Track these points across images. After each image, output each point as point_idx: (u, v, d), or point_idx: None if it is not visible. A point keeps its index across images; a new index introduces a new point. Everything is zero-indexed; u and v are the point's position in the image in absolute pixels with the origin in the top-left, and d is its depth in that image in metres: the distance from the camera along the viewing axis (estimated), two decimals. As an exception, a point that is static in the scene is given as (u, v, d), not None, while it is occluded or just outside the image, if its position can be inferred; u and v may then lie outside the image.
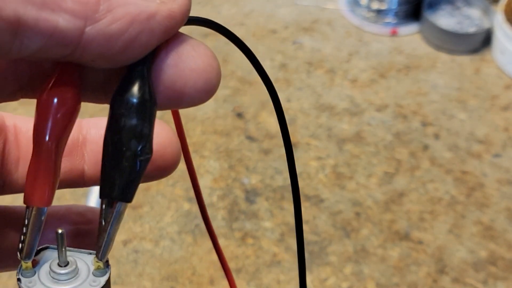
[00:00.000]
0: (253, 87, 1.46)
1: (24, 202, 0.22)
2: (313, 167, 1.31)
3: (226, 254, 1.16)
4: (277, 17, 1.67)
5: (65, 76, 0.21)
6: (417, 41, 1.61)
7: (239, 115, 1.40)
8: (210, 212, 1.22)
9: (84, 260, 0.23)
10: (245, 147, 1.34)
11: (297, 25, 1.64)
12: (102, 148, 0.22)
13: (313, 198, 1.26)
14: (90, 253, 0.24)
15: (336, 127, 1.39)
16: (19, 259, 0.23)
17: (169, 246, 1.18)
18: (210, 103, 1.40)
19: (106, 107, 0.22)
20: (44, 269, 0.23)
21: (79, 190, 1.24)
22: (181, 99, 0.22)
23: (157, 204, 1.24)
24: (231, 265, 1.14)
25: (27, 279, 0.23)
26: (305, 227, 1.21)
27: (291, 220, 1.18)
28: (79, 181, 0.27)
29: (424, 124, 1.40)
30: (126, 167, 0.21)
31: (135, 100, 0.21)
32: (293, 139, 1.35)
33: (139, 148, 0.21)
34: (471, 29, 1.59)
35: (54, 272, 0.23)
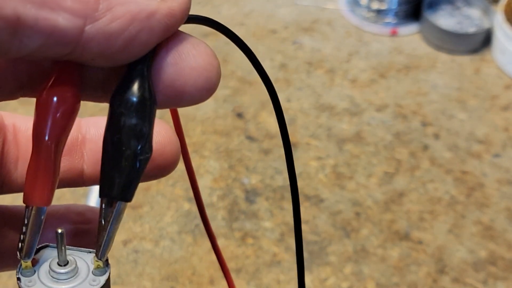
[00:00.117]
0: (253, 87, 1.46)
1: (24, 202, 0.22)
2: (313, 167, 1.31)
3: (226, 254, 1.16)
4: (277, 17, 1.66)
5: (64, 75, 0.21)
6: (417, 41, 1.61)
7: (239, 115, 1.40)
8: (210, 212, 1.22)
9: (83, 259, 0.23)
10: (245, 147, 1.34)
11: (297, 25, 1.64)
12: (101, 148, 0.22)
13: (313, 198, 1.25)
14: (90, 252, 0.24)
15: (336, 127, 1.39)
16: (19, 258, 0.23)
17: (169, 246, 1.18)
18: (210, 103, 1.40)
19: (106, 107, 0.22)
20: (43, 268, 0.23)
21: (80, 189, 1.24)
22: (181, 98, 0.22)
23: (157, 204, 1.24)
24: (231, 265, 1.14)
25: (26, 278, 0.23)
26: (305, 227, 1.21)
27: (291, 220, 1.18)
28: (79, 181, 0.27)
29: (424, 124, 1.40)
30: (125, 166, 0.21)
31: (135, 99, 0.21)
32: (293, 139, 1.35)
33: (138, 147, 0.21)
34: (471, 29, 1.59)
35: (53, 271, 0.23)
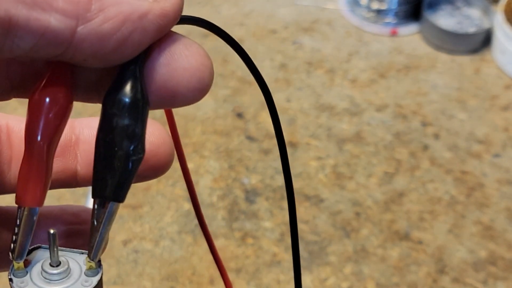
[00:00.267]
0: (253, 87, 1.45)
1: (16, 202, 0.22)
2: (313, 167, 1.31)
3: (226, 254, 1.16)
4: (277, 17, 1.66)
5: (57, 75, 0.21)
6: (417, 41, 1.61)
7: (239, 115, 1.40)
8: (210, 212, 1.22)
9: (76, 260, 0.23)
10: (245, 147, 1.34)
11: (297, 25, 1.64)
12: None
13: (313, 198, 1.25)
14: (82, 253, 0.24)
15: (336, 127, 1.39)
16: (11, 259, 0.23)
17: (169, 246, 1.18)
18: (210, 103, 1.40)
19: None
20: (36, 269, 0.23)
21: (79, 190, 1.24)
22: (174, 99, 0.22)
23: (157, 204, 1.24)
24: (231, 265, 1.14)
25: (19, 279, 0.23)
26: (305, 227, 1.20)
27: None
28: (72, 182, 0.27)
29: (424, 124, 1.40)
30: (118, 167, 0.21)
31: (127, 100, 0.21)
32: (293, 139, 1.35)
33: (131, 148, 0.21)
34: (471, 29, 1.58)
35: (46, 272, 0.23)
